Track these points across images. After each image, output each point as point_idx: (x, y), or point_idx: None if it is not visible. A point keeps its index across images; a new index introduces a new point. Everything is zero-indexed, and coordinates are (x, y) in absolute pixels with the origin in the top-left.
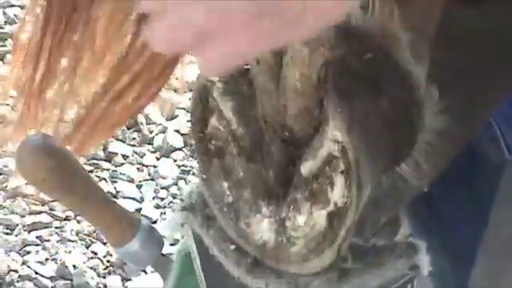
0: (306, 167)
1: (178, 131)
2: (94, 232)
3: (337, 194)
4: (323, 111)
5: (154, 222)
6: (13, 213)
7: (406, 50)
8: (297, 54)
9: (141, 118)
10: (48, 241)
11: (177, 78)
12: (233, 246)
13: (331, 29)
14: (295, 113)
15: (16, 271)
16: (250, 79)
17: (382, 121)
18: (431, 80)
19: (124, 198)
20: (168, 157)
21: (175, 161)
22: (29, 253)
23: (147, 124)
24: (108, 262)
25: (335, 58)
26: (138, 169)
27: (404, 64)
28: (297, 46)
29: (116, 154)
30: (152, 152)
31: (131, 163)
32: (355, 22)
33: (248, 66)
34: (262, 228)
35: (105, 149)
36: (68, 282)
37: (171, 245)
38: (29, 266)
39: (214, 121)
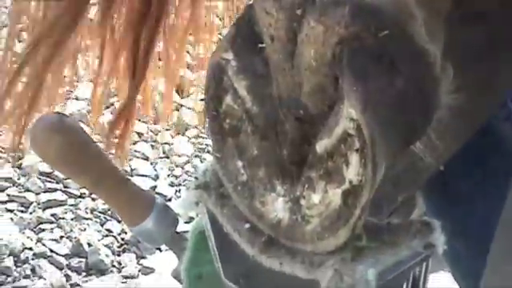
0: (322, 145)
1: (190, 108)
2: (109, 210)
3: (352, 172)
4: (338, 89)
5: (169, 200)
6: (27, 190)
7: (421, 27)
8: (311, 31)
9: (156, 96)
10: (63, 218)
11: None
12: (247, 225)
13: (346, 6)
14: (310, 91)
15: (31, 249)
16: (265, 57)
17: (397, 99)
18: (446, 57)
19: (139, 175)
20: (183, 134)
21: (190, 138)
22: (43, 230)
23: (162, 101)
24: (122, 239)
25: (350, 36)
26: (152, 146)
27: (419, 41)
28: (311, 23)
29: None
30: (166, 130)
31: (146, 141)
32: None
33: (263, 45)
34: (277, 207)
35: None
36: (82, 259)
37: (186, 223)
38: (43, 244)
39: (228, 99)
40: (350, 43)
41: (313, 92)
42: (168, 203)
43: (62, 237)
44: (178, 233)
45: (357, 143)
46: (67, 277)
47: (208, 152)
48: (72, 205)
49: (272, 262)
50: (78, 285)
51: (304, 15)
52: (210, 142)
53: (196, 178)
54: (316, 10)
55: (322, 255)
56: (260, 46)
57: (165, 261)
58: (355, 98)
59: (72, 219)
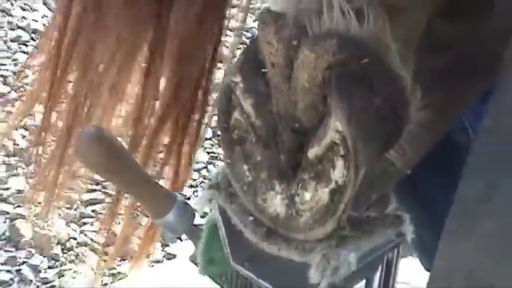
0: (312, 152)
1: (207, 124)
2: (139, 207)
3: (337, 174)
4: (327, 106)
5: (188, 199)
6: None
7: (396, 56)
8: (305, 58)
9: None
10: (101, 214)
11: None
12: (251, 218)
13: (334, 38)
14: (303, 107)
15: (75, 238)
16: (267, 80)
17: (375, 115)
18: (416, 81)
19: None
20: (200, 145)
21: (205, 148)
22: (85, 224)
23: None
24: None
25: (337, 63)
26: None
27: (394, 68)
28: (305, 51)
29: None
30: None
31: None
32: (353, 32)
33: (265, 70)
34: (276, 203)
35: None
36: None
37: (201, 217)
38: (85, 235)
39: (236, 114)
40: (337, 68)
41: (306, 108)
42: (187, 201)
43: (100, 229)
44: (195, 225)
45: (342, 150)
46: (105, 261)
47: (220, 159)
48: (109, 203)
49: (271, 248)
50: (114, 268)
51: (299, 45)
52: (221, 151)
53: (209, 179)
54: (309, 40)
55: (312, 242)
56: (263, 70)
57: (185, 248)
58: (341, 114)
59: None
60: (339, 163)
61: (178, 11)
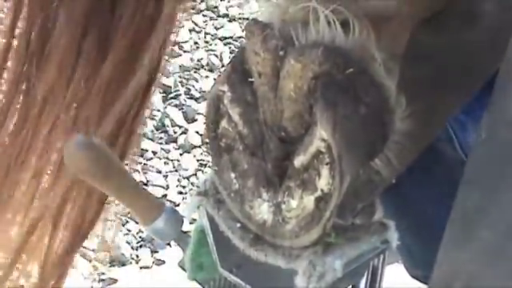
0: (298, 161)
1: (197, 132)
2: (129, 213)
3: (323, 182)
4: (312, 115)
5: (177, 205)
6: None
7: (380, 66)
8: (291, 68)
9: (167, 122)
10: None
11: (196, 89)
12: (238, 224)
13: (319, 48)
14: (290, 117)
15: None
16: (254, 89)
17: (360, 124)
18: (400, 90)
19: (153, 185)
20: (189, 153)
21: (195, 156)
22: None
23: (172, 126)
24: (140, 237)
25: (323, 72)
26: (164, 162)
27: (378, 77)
28: (291, 61)
29: (147, 150)
30: (176, 149)
31: (159, 158)
32: (339, 42)
33: (252, 79)
34: (262, 210)
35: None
36: (107, 253)
37: (190, 223)
38: None
39: (224, 123)
40: (323, 78)
41: (292, 117)
42: (176, 208)
43: (90, 235)
44: (183, 231)
45: (327, 159)
46: (95, 267)
47: (209, 167)
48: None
49: (258, 255)
50: (104, 273)
51: (285, 55)
52: (210, 158)
53: (198, 186)
54: (295, 51)
55: (299, 249)
56: (250, 80)
57: (174, 254)
58: (326, 123)
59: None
60: (325, 171)
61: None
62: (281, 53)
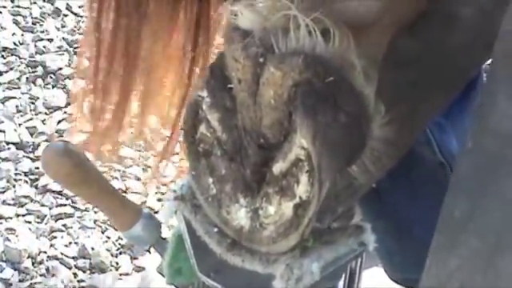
0: (277, 167)
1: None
2: (108, 220)
3: (301, 189)
4: (292, 123)
5: (156, 212)
6: (42, 205)
7: (359, 74)
8: (271, 76)
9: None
10: (71, 228)
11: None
12: (215, 229)
13: (300, 56)
14: (269, 123)
15: (45, 252)
16: (233, 95)
17: (339, 131)
18: (379, 97)
19: (132, 192)
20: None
21: (174, 162)
22: (55, 238)
23: (150, 133)
24: (119, 244)
25: (303, 80)
26: (143, 169)
27: (357, 86)
28: (271, 69)
29: (126, 157)
30: (154, 156)
31: (138, 165)
32: (319, 51)
33: (231, 85)
34: (240, 215)
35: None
36: (87, 260)
37: (168, 228)
38: (55, 248)
39: (202, 128)
40: (303, 86)
41: (271, 125)
42: (155, 215)
43: (70, 243)
44: (161, 237)
45: (306, 167)
46: (75, 275)
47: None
48: (79, 217)
49: (235, 260)
50: (84, 281)
51: (265, 63)
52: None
53: (174, 191)
54: (275, 58)
55: (276, 254)
56: (229, 86)
57: (153, 260)
58: (306, 131)
59: (79, 228)
60: (303, 179)
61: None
62: (261, 60)
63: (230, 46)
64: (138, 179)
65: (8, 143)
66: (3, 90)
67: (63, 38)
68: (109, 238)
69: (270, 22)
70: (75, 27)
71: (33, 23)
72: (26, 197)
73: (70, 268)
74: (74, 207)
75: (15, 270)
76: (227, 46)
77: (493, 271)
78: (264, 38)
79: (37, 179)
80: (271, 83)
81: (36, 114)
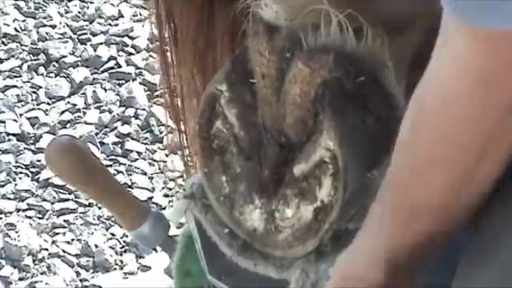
0: (299, 169)
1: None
2: (113, 217)
3: (324, 193)
4: (317, 123)
5: (163, 209)
6: (44, 200)
7: (391, 75)
8: (298, 72)
9: (152, 121)
10: (74, 224)
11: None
12: (226, 230)
13: (331, 53)
14: (292, 122)
15: (47, 249)
16: (254, 91)
17: (367, 134)
18: (408, 98)
19: (138, 188)
20: (175, 153)
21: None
22: (57, 234)
23: (158, 126)
24: (124, 242)
25: (332, 79)
26: (149, 163)
27: (388, 87)
28: (299, 65)
29: (131, 151)
30: (162, 149)
31: (144, 159)
32: (350, 48)
33: (254, 80)
34: (254, 217)
35: (122, 146)
36: (90, 258)
37: (177, 228)
38: (57, 246)
39: (218, 124)
40: (332, 85)
41: (295, 123)
42: (162, 211)
43: (73, 239)
44: (170, 236)
45: (331, 169)
46: (77, 273)
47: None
48: (82, 212)
49: (247, 263)
50: (87, 280)
51: (293, 58)
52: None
53: (184, 189)
54: (304, 54)
55: (291, 259)
56: (251, 81)
57: (160, 260)
58: (334, 132)
59: (81, 224)
60: (327, 182)
61: None
62: (287, 55)
63: (255, 39)
64: (145, 174)
65: (8, 134)
66: (3, 79)
67: (67, 25)
68: (113, 235)
69: (299, 16)
70: (79, 13)
71: (35, 8)
72: (26, 191)
73: (72, 266)
74: (77, 202)
75: (15, 267)
76: (251, 39)
77: None
78: (292, 32)
79: (38, 172)
80: (298, 80)
81: (38, 104)
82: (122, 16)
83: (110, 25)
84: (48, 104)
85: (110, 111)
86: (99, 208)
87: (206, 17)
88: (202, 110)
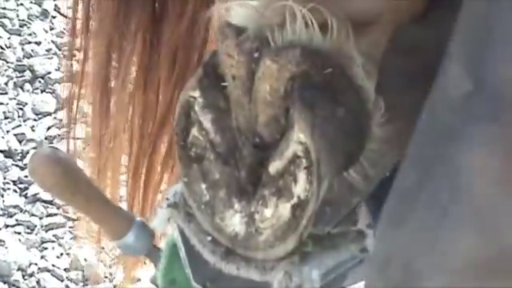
0: (274, 167)
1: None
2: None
3: (299, 188)
4: (289, 119)
5: (147, 219)
6: (33, 215)
7: (358, 68)
8: (267, 70)
9: None
10: (63, 238)
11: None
12: (209, 238)
13: (297, 48)
14: (265, 121)
15: (36, 264)
16: (226, 94)
17: (338, 127)
18: (378, 92)
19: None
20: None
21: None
22: (46, 249)
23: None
24: (113, 255)
25: (300, 73)
26: None
27: (357, 79)
28: (267, 62)
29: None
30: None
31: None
32: (317, 43)
33: (225, 83)
34: (234, 222)
35: None
36: (80, 272)
37: (161, 237)
38: (47, 260)
39: (194, 131)
40: (300, 79)
41: (267, 122)
42: (146, 222)
43: (62, 254)
44: (154, 246)
45: (304, 163)
46: (67, 287)
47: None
48: (70, 227)
49: (230, 268)
50: None
51: (261, 57)
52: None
53: (167, 198)
54: (271, 51)
55: (273, 261)
56: (223, 84)
57: (149, 272)
58: (304, 124)
59: (70, 239)
60: (302, 176)
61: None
62: (256, 55)
63: (224, 43)
64: None
65: None
66: None
67: (52, 41)
68: (102, 248)
69: (265, 17)
70: (64, 29)
71: (20, 25)
72: (15, 206)
73: (62, 280)
74: (66, 217)
75: (5, 283)
76: (220, 42)
77: (439, 246)
78: (259, 32)
79: (26, 188)
80: (267, 77)
81: (24, 121)
82: None
83: None
84: (34, 120)
85: None
86: (87, 222)
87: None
88: (177, 119)
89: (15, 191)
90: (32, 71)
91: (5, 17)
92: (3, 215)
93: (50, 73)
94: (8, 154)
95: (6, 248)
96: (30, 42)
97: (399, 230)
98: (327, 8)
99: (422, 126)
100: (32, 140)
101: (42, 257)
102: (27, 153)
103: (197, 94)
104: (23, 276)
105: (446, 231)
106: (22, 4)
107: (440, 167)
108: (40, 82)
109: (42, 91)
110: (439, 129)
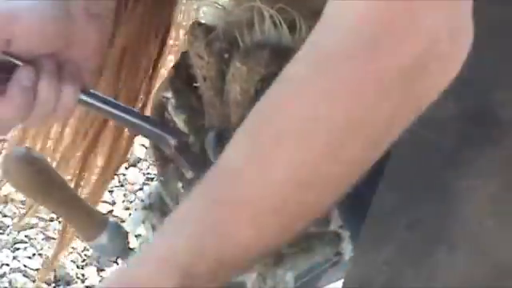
0: None
1: (143, 145)
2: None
3: None
4: None
5: (123, 221)
6: (4, 216)
7: None
8: (237, 71)
9: None
10: (35, 239)
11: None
12: None
13: (266, 49)
14: (237, 121)
15: (8, 265)
16: (199, 94)
17: None
18: None
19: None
20: (135, 166)
21: (141, 170)
22: (18, 249)
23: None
24: (85, 255)
25: (269, 74)
26: None
27: None
28: (237, 64)
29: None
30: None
31: None
32: (285, 42)
33: (197, 84)
34: None
35: None
36: (52, 272)
37: (136, 237)
38: (18, 261)
39: None
40: (270, 80)
41: (239, 122)
42: (122, 224)
43: (34, 254)
44: (129, 247)
45: None
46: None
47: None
48: (42, 227)
49: None
50: None
51: (231, 58)
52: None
53: (142, 200)
54: (241, 53)
55: None
56: (194, 85)
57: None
58: None
59: (42, 239)
60: None
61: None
62: (225, 55)
63: (194, 44)
64: None
65: None
66: None
67: None
68: (74, 248)
69: (233, 16)
70: None
71: None
72: None
73: (33, 281)
74: (38, 217)
75: None
76: (191, 43)
77: (427, 264)
78: (228, 32)
79: None
80: (237, 79)
81: None
82: None
83: None
84: None
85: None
86: (60, 222)
87: None
88: None
89: None
90: None
91: None
92: None
93: None
94: None
95: None
96: None
97: (381, 250)
98: (294, 8)
99: (401, 145)
100: (4, 140)
101: (14, 257)
102: None
103: (169, 94)
104: None
105: (431, 250)
106: None
107: (422, 189)
108: None
109: None
110: (418, 148)
